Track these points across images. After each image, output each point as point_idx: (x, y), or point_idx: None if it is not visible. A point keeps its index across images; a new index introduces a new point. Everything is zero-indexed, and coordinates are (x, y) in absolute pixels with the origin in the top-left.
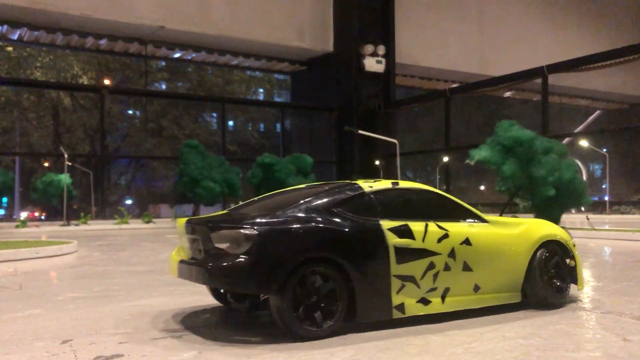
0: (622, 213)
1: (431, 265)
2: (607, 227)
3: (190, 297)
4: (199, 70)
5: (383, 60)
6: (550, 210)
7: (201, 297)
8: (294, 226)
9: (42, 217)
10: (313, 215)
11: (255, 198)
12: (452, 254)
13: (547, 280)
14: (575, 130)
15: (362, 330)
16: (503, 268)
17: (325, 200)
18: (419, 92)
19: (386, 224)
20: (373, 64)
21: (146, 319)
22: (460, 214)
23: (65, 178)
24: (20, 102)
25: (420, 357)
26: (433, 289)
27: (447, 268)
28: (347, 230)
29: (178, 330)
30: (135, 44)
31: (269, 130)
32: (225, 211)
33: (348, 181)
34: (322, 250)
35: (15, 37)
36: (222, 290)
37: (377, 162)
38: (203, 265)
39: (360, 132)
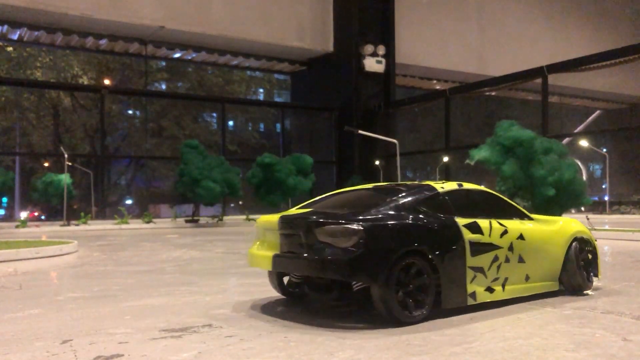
0: (622, 213)
1: (495, 258)
2: (607, 227)
3: (190, 297)
4: (199, 70)
5: (383, 60)
6: (550, 211)
7: (201, 297)
8: (392, 222)
9: (42, 217)
10: (403, 213)
11: (324, 195)
12: (510, 247)
13: (580, 269)
14: (575, 130)
15: (362, 330)
16: (547, 259)
17: (410, 199)
18: (419, 92)
19: (460, 221)
20: (373, 64)
21: (146, 318)
22: (512, 213)
23: (65, 178)
24: (21, 102)
25: (420, 357)
26: (496, 279)
27: (507, 260)
28: (434, 226)
29: (178, 330)
30: (135, 44)
31: (269, 130)
32: (304, 209)
33: (417, 182)
34: (417, 243)
35: (15, 37)
36: (288, 282)
37: (377, 162)
38: (314, 257)
39: (360, 132)
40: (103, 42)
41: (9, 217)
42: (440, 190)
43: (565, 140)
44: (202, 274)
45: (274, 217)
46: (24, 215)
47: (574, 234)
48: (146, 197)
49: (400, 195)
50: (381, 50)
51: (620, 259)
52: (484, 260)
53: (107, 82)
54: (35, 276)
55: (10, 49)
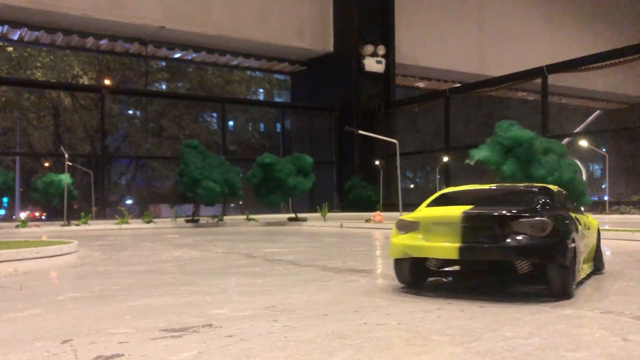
0: (622, 213)
1: (586, 244)
2: (606, 227)
3: (190, 297)
4: (199, 71)
5: (383, 60)
6: None
7: (201, 296)
8: (563, 216)
9: (43, 217)
10: (560, 208)
11: (446, 192)
12: (586, 235)
13: (601, 253)
14: (575, 131)
15: (362, 330)
16: (590, 245)
17: (548, 198)
18: (419, 92)
19: (573, 215)
20: (373, 64)
21: (146, 318)
22: (576, 208)
23: (65, 178)
24: (21, 102)
25: (420, 357)
26: (585, 261)
27: (587, 245)
28: (575, 218)
29: (178, 330)
30: (135, 44)
31: (269, 130)
32: (457, 207)
33: (535, 184)
34: (575, 232)
35: (15, 37)
36: (432, 268)
37: (377, 162)
38: (513, 245)
39: (360, 132)
40: (103, 42)
41: (9, 217)
42: (555, 190)
43: (565, 141)
44: (202, 274)
45: (454, 213)
46: (23, 215)
47: (597, 225)
48: (146, 197)
49: (540, 195)
50: (381, 50)
51: (620, 259)
52: (583, 245)
53: (107, 82)
54: (35, 276)
55: (10, 49)
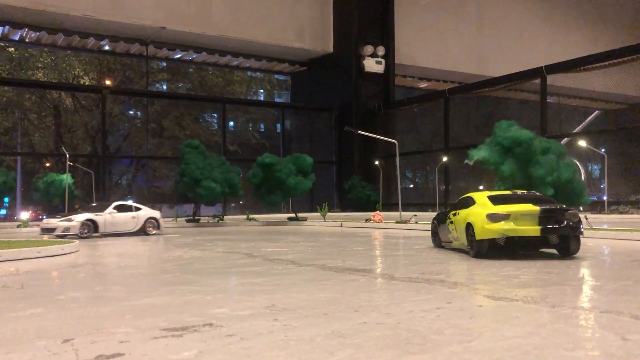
0: (621, 213)
1: None
2: (605, 226)
3: (190, 296)
4: (200, 71)
5: (383, 60)
6: None
7: (202, 296)
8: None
9: (44, 217)
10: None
11: (511, 193)
12: None
13: None
14: (574, 131)
15: (362, 329)
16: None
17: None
18: (419, 93)
19: None
20: (373, 65)
21: (147, 318)
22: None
23: (66, 178)
24: (22, 103)
25: (420, 356)
26: None
27: None
28: None
29: (178, 329)
30: (136, 45)
31: (269, 130)
32: (533, 205)
33: (534, 192)
34: None
35: (16, 37)
36: (491, 244)
37: (376, 162)
38: (572, 229)
39: (360, 132)
40: (104, 42)
41: (11, 216)
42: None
43: (564, 141)
44: (203, 274)
45: (533, 208)
46: (25, 215)
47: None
48: (147, 197)
49: (548, 198)
50: (381, 50)
51: (619, 259)
52: None
53: (108, 82)
54: (36, 275)
55: (11, 49)
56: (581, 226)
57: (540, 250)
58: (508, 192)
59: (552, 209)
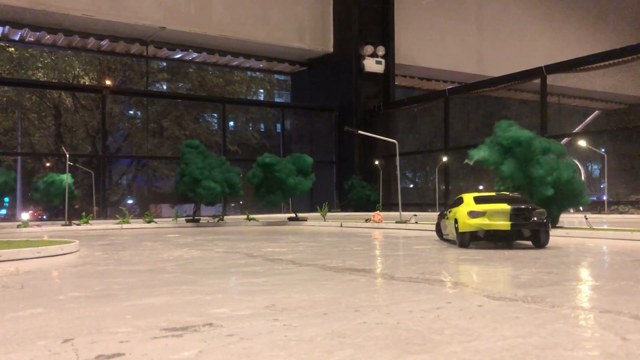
0: (621, 213)
1: None
2: (605, 226)
3: (191, 296)
4: (200, 71)
5: (382, 60)
6: (548, 210)
7: (202, 296)
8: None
9: (44, 217)
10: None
11: (494, 194)
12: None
13: None
14: (574, 131)
15: (362, 329)
16: None
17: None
18: (418, 93)
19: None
20: (373, 65)
21: (147, 317)
22: None
23: (66, 178)
24: (22, 103)
25: (419, 355)
26: None
27: None
28: None
29: (179, 329)
30: (136, 45)
31: (269, 130)
32: (498, 203)
33: (508, 193)
34: None
35: (17, 37)
36: (473, 237)
37: (376, 162)
38: (539, 225)
39: (360, 132)
40: (104, 42)
41: (11, 216)
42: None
43: (564, 141)
44: (203, 273)
45: (506, 207)
46: (25, 215)
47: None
48: (147, 197)
49: (524, 199)
50: (381, 50)
51: (619, 259)
52: None
53: (108, 82)
54: (36, 275)
55: (12, 49)
56: (549, 222)
57: (516, 241)
58: (492, 193)
59: (522, 207)
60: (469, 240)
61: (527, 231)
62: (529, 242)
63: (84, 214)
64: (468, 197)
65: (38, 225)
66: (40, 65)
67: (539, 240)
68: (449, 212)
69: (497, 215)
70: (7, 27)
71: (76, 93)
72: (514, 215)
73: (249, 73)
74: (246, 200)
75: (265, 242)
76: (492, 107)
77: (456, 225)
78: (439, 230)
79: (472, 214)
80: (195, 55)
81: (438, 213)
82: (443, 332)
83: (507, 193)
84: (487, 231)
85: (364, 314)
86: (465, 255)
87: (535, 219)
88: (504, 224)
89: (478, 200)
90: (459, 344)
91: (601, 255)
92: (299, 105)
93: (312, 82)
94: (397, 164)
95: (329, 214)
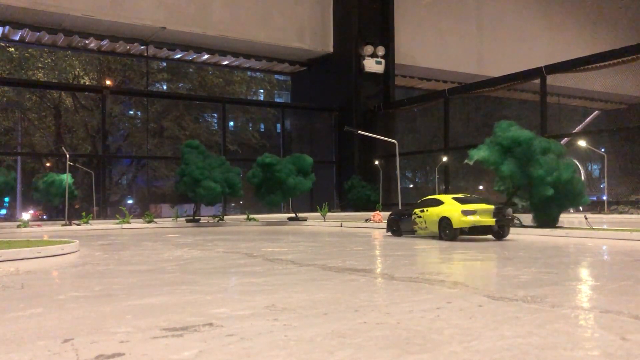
0: (620, 213)
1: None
2: (605, 226)
3: (191, 296)
4: (200, 71)
5: (382, 60)
6: (548, 210)
7: (202, 296)
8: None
9: (44, 217)
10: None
11: (473, 196)
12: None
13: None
14: (574, 131)
15: (362, 329)
16: None
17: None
18: (418, 93)
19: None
20: (373, 65)
21: (147, 317)
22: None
23: (67, 178)
24: (22, 103)
25: (419, 355)
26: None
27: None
28: None
29: (179, 329)
30: (136, 45)
31: (269, 130)
32: (493, 204)
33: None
34: None
35: (17, 37)
36: (461, 231)
37: (376, 162)
38: (509, 221)
39: (360, 132)
40: (104, 42)
41: (11, 216)
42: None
43: (564, 141)
44: (203, 273)
45: (490, 206)
46: (26, 215)
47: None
48: (147, 197)
49: (488, 199)
50: (381, 51)
51: (619, 259)
52: None
53: (108, 82)
54: (37, 275)
55: (12, 49)
56: (511, 220)
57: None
58: (467, 194)
59: (500, 207)
60: (458, 234)
61: (497, 226)
62: (490, 236)
63: (84, 214)
64: (448, 198)
65: (38, 225)
66: (40, 65)
67: (504, 234)
68: (420, 211)
69: (485, 214)
70: (7, 27)
71: (76, 93)
72: (496, 213)
73: (249, 73)
74: (246, 200)
75: (265, 242)
76: (492, 107)
77: (445, 223)
78: (394, 227)
79: (466, 213)
80: (195, 55)
81: (390, 213)
82: (443, 332)
83: (475, 195)
84: (474, 227)
85: (364, 314)
86: (465, 255)
87: (506, 216)
88: (490, 220)
89: (459, 200)
90: (459, 343)
91: (601, 255)
92: (299, 105)
93: (312, 82)
94: (397, 164)
95: (329, 214)
